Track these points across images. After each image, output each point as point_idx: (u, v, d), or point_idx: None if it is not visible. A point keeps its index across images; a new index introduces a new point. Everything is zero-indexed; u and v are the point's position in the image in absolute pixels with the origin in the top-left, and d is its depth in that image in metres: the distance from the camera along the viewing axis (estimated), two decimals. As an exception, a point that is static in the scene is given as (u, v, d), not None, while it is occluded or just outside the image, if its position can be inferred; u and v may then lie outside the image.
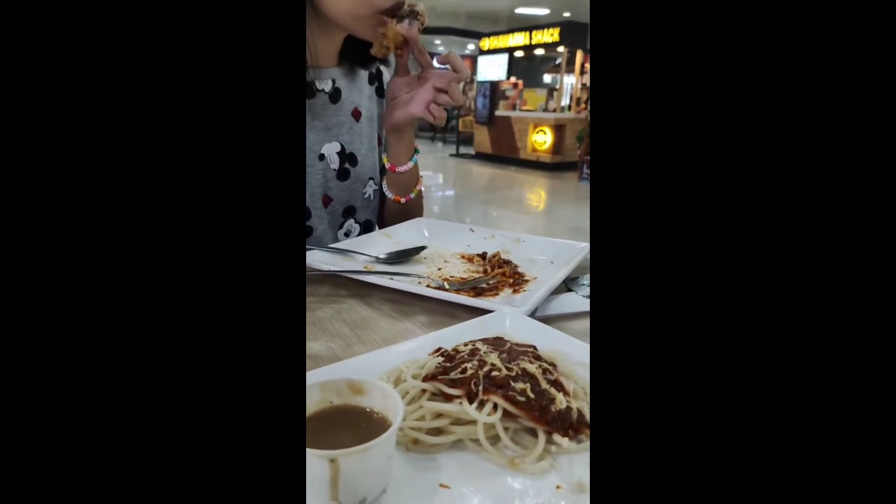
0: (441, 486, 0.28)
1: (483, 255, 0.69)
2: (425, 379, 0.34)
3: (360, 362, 0.37)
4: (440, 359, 0.36)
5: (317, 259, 0.61)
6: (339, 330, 0.48)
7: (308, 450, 0.25)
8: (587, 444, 0.31)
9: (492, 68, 8.99)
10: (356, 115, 0.79)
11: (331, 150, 0.76)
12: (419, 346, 0.39)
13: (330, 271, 0.59)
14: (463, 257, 0.70)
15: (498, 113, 8.18)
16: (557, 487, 0.28)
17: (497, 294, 0.56)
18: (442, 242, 0.74)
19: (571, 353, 0.38)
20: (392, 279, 0.56)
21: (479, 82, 8.92)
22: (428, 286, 0.56)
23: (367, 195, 0.81)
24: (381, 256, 0.65)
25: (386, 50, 0.65)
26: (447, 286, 0.57)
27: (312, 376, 0.34)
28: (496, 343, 0.38)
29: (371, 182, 0.82)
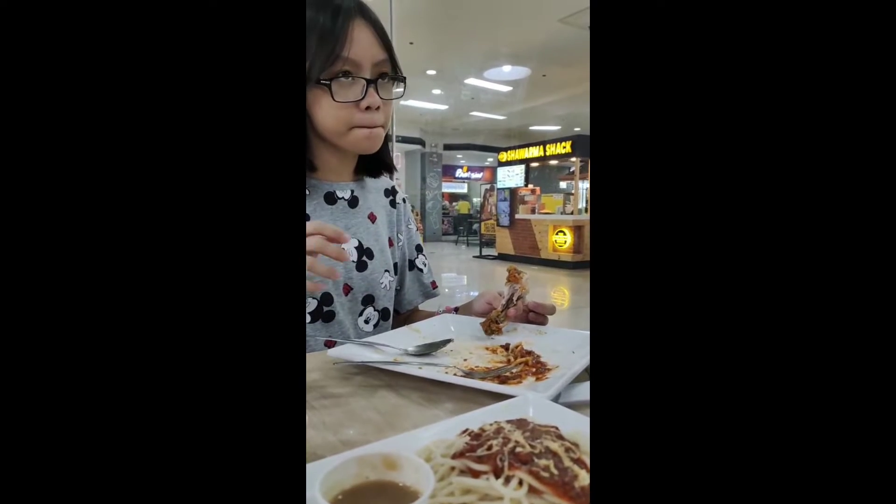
0: None
1: (506, 347, 0.72)
2: (453, 457, 0.36)
3: (392, 443, 0.39)
4: (467, 438, 0.38)
5: (348, 352, 0.65)
6: (371, 417, 0.51)
7: None
8: (612, 521, 0.32)
9: (510, 177, 9.65)
10: (372, 218, 0.92)
11: (350, 245, 0.86)
12: (447, 427, 0.42)
13: (362, 363, 0.63)
14: (487, 349, 0.73)
15: (518, 216, 8.57)
16: None
17: (520, 382, 0.58)
18: (466, 336, 0.78)
19: None
20: (420, 369, 0.60)
21: (498, 189, 9.51)
22: (454, 374, 0.58)
23: (383, 285, 0.90)
24: (410, 349, 0.69)
25: (496, 331, 0.79)
26: (472, 375, 0.59)
27: (346, 455, 0.37)
28: (520, 423, 0.39)
29: (387, 274, 0.91)
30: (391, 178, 0.97)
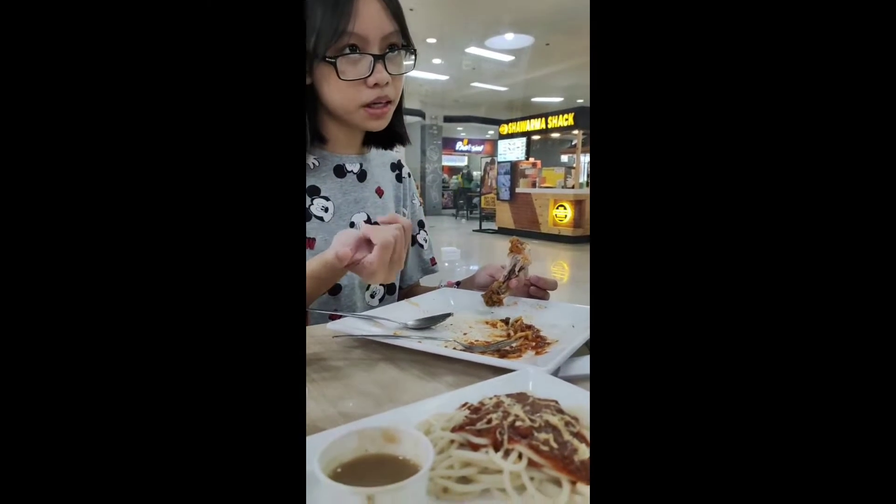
0: None
1: (506, 321, 0.72)
2: (453, 430, 0.36)
3: (393, 415, 0.40)
4: (467, 411, 0.38)
5: (349, 325, 0.65)
6: (371, 391, 0.51)
7: (346, 487, 0.27)
8: (611, 493, 0.32)
9: (511, 150, 9.53)
10: (379, 192, 0.91)
11: (359, 219, 0.86)
12: (447, 401, 0.42)
13: (362, 336, 0.63)
14: (487, 323, 0.73)
15: (519, 190, 8.50)
16: None
17: (520, 356, 0.59)
18: (466, 310, 0.78)
19: None
20: (420, 342, 0.60)
21: (499, 162, 9.40)
22: (454, 349, 0.58)
23: None
24: (410, 323, 0.69)
25: (498, 302, 0.78)
26: (472, 349, 0.59)
27: (346, 428, 0.37)
28: (519, 397, 0.39)
29: None
30: (403, 147, 0.95)
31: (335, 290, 0.81)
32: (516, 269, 0.78)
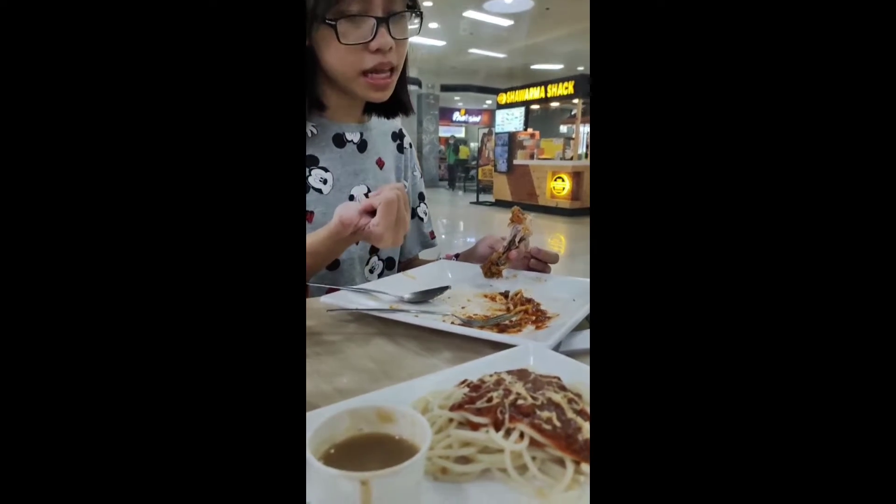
0: None
1: (505, 294, 0.70)
2: (452, 408, 0.34)
3: (388, 393, 0.38)
4: (466, 389, 0.36)
5: (344, 299, 0.63)
6: (366, 366, 0.50)
7: (339, 472, 0.26)
8: (616, 474, 0.31)
9: (509, 121, 9.34)
10: (380, 164, 0.87)
11: (359, 192, 0.82)
12: (445, 378, 0.40)
13: (357, 310, 0.61)
14: (485, 296, 0.71)
15: (516, 162, 8.39)
16: None
17: (520, 330, 0.57)
18: (464, 283, 0.76)
19: None
20: (417, 317, 0.58)
21: (496, 133, 9.24)
22: (452, 323, 0.57)
23: None
24: (406, 297, 0.67)
25: (497, 274, 0.77)
26: (471, 323, 0.58)
27: (341, 406, 0.35)
28: (521, 374, 0.38)
29: None
30: (405, 115, 0.89)
31: (334, 265, 0.79)
32: (517, 239, 0.76)
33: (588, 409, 0.34)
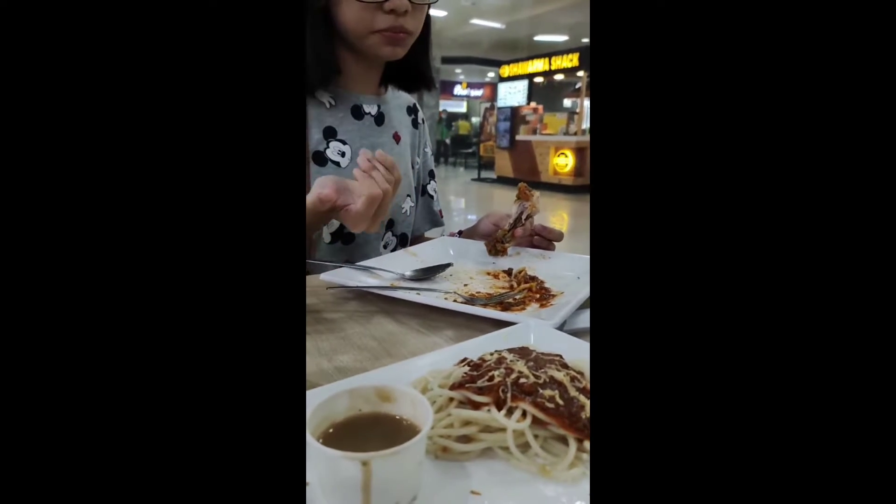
0: (472, 492, 0.28)
1: (508, 272, 0.69)
2: (452, 388, 0.34)
3: (386, 373, 0.37)
4: (466, 368, 0.36)
5: (344, 276, 0.62)
6: (367, 344, 0.49)
7: (340, 453, 0.25)
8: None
9: (512, 94, 9.15)
10: (396, 138, 0.85)
11: None
12: (444, 356, 0.40)
13: (357, 287, 0.60)
14: (488, 274, 0.70)
15: (518, 137, 8.27)
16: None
17: (524, 308, 0.56)
18: (467, 260, 0.75)
19: None
20: (419, 294, 0.57)
21: (499, 108, 9.06)
22: (454, 301, 0.56)
23: (404, 210, 0.86)
24: (407, 274, 0.66)
25: (502, 251, 0.75)
26: (474, 301, 0.57)
27: (340, 385, 0.35)
28: (522, 352, 0.37)
29: (408, 199, 0.87)
30: (428, 90, 0.86)
31: (348, 238, 0.77)
32: (523, 217, 0.74)
33: (590, 387, 0.34)
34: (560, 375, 0.33)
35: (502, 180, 8.62)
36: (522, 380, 0.32)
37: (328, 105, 0.77)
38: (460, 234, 0.88)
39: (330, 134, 0.76)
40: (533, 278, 0.65)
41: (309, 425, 0.27)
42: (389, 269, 0.66)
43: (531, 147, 7.95)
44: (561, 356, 0.37)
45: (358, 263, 0.68)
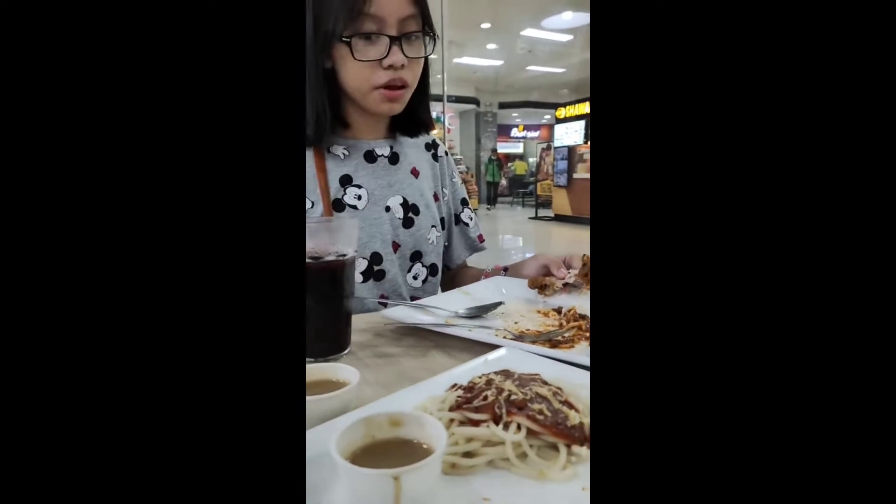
0: (483, 499, 0.32)
1: (559, 310, 0.70)
2: (451, 409, 0.38)
3: (392, 400, 0.42)
4: (460, 392, 0.40)
5: (401, 313, 0.67)
6: (423, 377, 0.52)
7: (373, 471, 0.28)
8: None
9: (568, 134, 9.18)
10: (415, 173, 0.91)
11: (395, 202, 0.87)
12: (436, 384, 0.44)
13: (413, 324, 0.65)
14: (539, 312, 0.72)
15: (576, 176, 8.20)
16: (583, 489, 0.32)
17: (573, 346, 0.57)
18: (518, 299, 0.77)
19: (572, 378, 0.43)
20: (471, 331, 0.60)
21: (555, 147, 9.11)
22: (505, 338, 0.58)
23: (430, 241, 0.90)
24: (461, 312, 0.69)
25: (544, 294, 0.78)
26: (523, 338, 0.59)
27: (353, 416, 0.37)
28: (505, 374, 0.41)
29: (434, 229, 0.91)
30: (427, 133, 0.93)
31: (379, 275, 0.83)
32: (575, 284, 0.77)
33: (571, 399, 0.38)
34: (544, 391, 0.37)
35: (560, 218, 8.52)
36: (514, 397, 0.36)
37: (342, 156, 0.84)
38: (506, 270, 0.91)
39: (346, 181, 0.83)
40: (583, 317, 0.66)
41: (337, 448, 0.30)
42: (444, 306, 0.70)
43: (588, 185, 7.83)
44: (539, 374, 0.41)
45: (414, 302, 0.73)
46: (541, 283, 0.76)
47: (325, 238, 0.56)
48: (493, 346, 0.56)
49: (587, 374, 0.44)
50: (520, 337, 0.60)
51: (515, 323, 0.67)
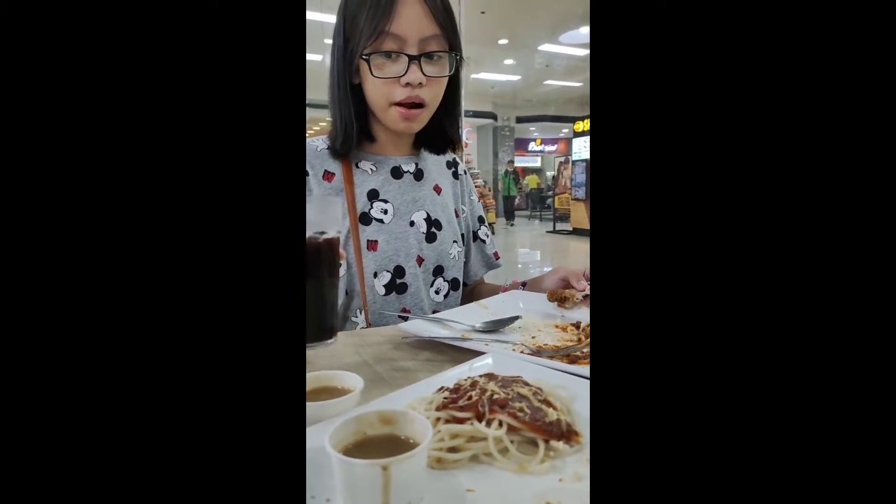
0: (468, 490, 0.34)
1: (577, 325, 0.69)
2: (437, 409, 0.40)
3: (383, 402, 0.44)
4: (446, 393, 0.42)
5: (418, 327, 0.67)
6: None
7: (363, 461, 0.29)
8: (578, 447, 0.37)
9: (586, 147, 9.15)
10: (437, 190, 0.93)
11: (419, 217, 0.89)
12: (424, 387, 0.46)
13: (430, 338, 0.65)
14: (556, 327, 0.71)
15: (595, 189, 8.12)
16: (560, 480, 0.34)
17: (590, 362, 0.56)
18: (536, 313, 0.76)
19: (551, 380, 0.46)
20: (488, 345, 0.60)
21: (574, 161, 9.07)
22: (521, 352, 0.57)
23: (452, 255, 0.92)
24: (478, 326, 0.69)
25: (563, 307, 0.78)
26: (540, 353, 0.58)
27: (348, 415, 0.39)
28: (489, 377, 0.44)
29: (455, 244, 0.93)
30: (454, 152, 0.96)
31: (402, 289, 0.85)
32: None
33: (549, 398, 0.40)
34: (525, 391, 0.39)
35: (578, 232, 8.44)
36: (496, 396, 0.38)
37: (370, 171, 0.86)
38: (524, 285, 0.90)
39: (373, 196, 0.85)
40: (602, 333, 0.65)
41: (330, 443, 0.32)
42: (461, 320, 0.70)
43: (609, 198, 7.74)
44: (521, 377, 0.43)
45: (432, 315, 0.73)
46: (560, 295, 0.76)
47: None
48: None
49: (566, 376, 0.47)
50: (538, 352, 0.59)
51: (533, 337, 0.67)
